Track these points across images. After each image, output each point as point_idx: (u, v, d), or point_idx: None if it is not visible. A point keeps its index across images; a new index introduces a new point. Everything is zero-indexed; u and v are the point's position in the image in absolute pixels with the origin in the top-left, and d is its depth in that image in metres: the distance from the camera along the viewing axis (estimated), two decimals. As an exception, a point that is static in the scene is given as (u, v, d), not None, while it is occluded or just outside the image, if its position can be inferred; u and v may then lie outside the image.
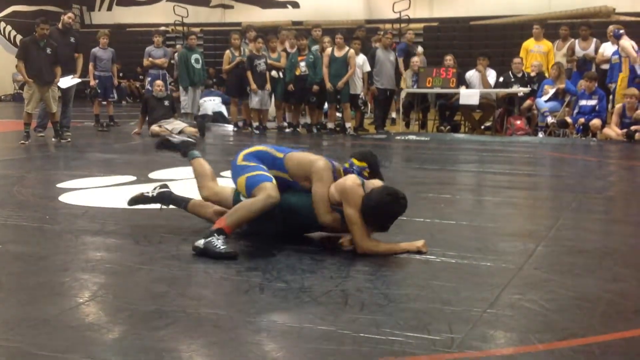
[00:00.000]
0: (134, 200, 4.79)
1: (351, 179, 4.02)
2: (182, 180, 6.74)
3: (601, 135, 10.83)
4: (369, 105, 13.60)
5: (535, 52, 12.23)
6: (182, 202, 4.74)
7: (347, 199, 3.93)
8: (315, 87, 11.38)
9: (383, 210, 3.89)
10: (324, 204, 4.03)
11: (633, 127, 10.38)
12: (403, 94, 12.42)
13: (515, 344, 2.70)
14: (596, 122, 10.77)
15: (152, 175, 6.99)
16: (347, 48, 11.38)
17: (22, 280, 3.53)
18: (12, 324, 2.87)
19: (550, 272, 3.66)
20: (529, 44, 12.45)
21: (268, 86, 11.57)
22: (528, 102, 11.77)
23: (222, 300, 3.18)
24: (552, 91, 11.29)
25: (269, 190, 3.99)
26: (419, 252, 3.97)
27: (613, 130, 10.68)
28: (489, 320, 2.95)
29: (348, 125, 11.55)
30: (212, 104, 13.52)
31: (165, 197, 4.75)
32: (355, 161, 4.32)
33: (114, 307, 3.12)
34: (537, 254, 4.03)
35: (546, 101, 11.35)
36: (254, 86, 11.40)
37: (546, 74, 11.75)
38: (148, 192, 4.77)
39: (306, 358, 2.53)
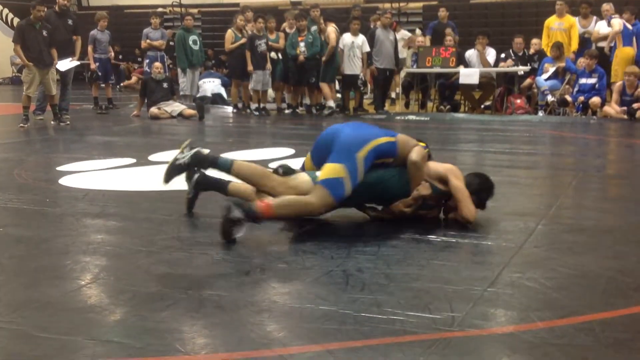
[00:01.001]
0: (169, 174, 4.28)
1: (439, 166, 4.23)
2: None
3: (601, 113, 10.81)
4: (369, 85, 13.57)
5: (556, 30, 11.98)
6: (224, 166, 4.24)
7: (456, 175, 4.12)
8: (301, 58, 11.31)
9: (486, 189, 4.19)
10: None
11: (634, 105, 10.35)
12: (402, 74, 12.38)
13: (516, 322, 2.71)
14: (596, 100, 10.75)
15: (152, 157, 6.99)
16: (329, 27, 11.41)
17: (24, 263, 3.54)
18: (15, 307, 2.88)
19: (551, 251, 3.67)
20: (550, 21, 12.11)
21: (269, 65, 11.52)
22: (528, 80, 11.73)
23: (223, 282, 3.19)
24: (552, 69, 11.25)
25: (330, 204, 3.93)
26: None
27: (613, 108, 10.66)
28: (489, 299, 2.96)
29: (330, 103, 11.52)
30: (211, 85, 13.48)
31: (201, 160, 4.26)
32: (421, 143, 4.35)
33: (116, 289, 3.13)
34: (537, 232, 4.04)
35: (546, 79, 11.31)
36: (250, 67, 11.35)
37: (566, 52, 11.60)
38: (179, 159, 4.27)
39: (308, 338, 2.54)
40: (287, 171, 4.09)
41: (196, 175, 4.28)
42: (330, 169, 3.93)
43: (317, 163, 4.14)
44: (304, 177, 4.08)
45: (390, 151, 4.07)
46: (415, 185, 4.13)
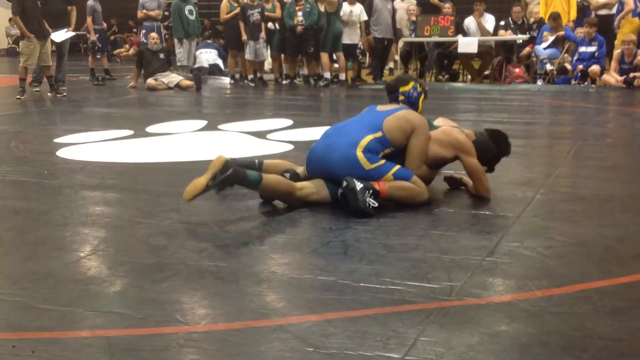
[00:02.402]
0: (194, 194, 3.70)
1: (455, 131, 4.13)
2: (178, 134, 6.73)
3: (600, 82, 10.77)
4: (367, 55, 13.49)
5: None
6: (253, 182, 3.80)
7: (464, 150, 4.05)
8: (299, 29, 11.21)
9: (500, 152, 4.19)
10: (421, 158, 4.03)
11: (632, 74, 10.31)
12: (400, 43, 12.30)
13: (514, 291, 2.72)
14: (595, 68, 10.71)
15: (150, 129, 6.97)
16: None
17: (23, 235, 3.55)
18: (15, 279, 2.89)
19: (549, 220, 3.68)
20: None
21: (263, 34, 11.42)
22: (527, 49, 11.67)
23: (222, 253, 3.20)
24: (551, 38, 11.18)
25: (408, 187, 3.88)
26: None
27: (612, 77, 10.61)
28: (487, 268, 2.97)
29: (326, 74, 11.44)
30: (207, 56, 13.41)
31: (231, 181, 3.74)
32: (404, 88, 4.30)
33: (115, 260, 3.14)
34: (536, 201, 4.04)
35: (545, 48, 11.25)
36: (244, 37, 11.27)
37: (565, 20, 11.47)
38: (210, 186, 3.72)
39: (307, 308, 2.55)
40: (293, 177, 4.05)
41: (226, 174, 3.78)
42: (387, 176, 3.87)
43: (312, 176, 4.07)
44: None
45: (382, 144, 3.94)
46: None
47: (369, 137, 3.91)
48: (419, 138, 4.00)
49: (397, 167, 3.90)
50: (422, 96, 4.35)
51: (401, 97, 4.28)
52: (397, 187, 3.86)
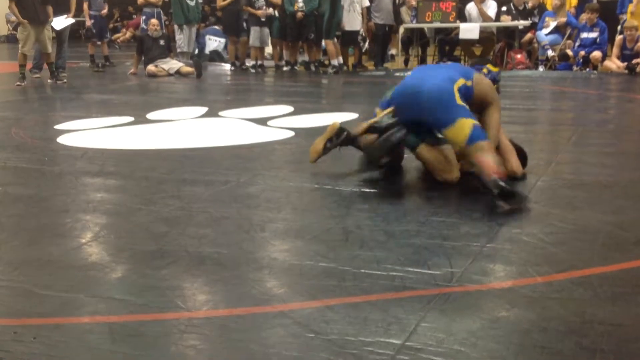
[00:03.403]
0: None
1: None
2: (179, 121, 6.72)
3: (602, 68, 10.73)
4: (368, 41, 13.44)
5: None
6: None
7: (498, 105, 4.15)
8: (299, 15, 11.15)
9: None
10: (499, 133, 4.13)
11: (634, 60, 10.27)
12: (401, 30, 12.25)
13: (515, 277, 2.72)
14: (597, 54, 10.67)
15: (150, 115, 6.95)
16: None
17: (24, 221, 3.55)
18: (16, 265, 2.90)
19: (550, 206, 3.67)
20: None
21: (262, 12, 11.37)
22: (529, 35, 11.62)
23: (223, 239, 3.20)
24: (553, 24, 11.13)
25: (490, 149, 3.78)
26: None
27: (614, 63, 10.57)
28: (488, 255, 2.97)
29: (334, 61, 11.40)
30: (216, 44, 13.36)
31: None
32: (491, 67, 4.33)
33: (116, 247, 3.14)
34: (537, 188, 4.04)
35: (547, 34, 11.21)
36: (261, 12, 11.25)
37: (567, 6, 11.41)
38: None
39: (307, 294, 2.55)
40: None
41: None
42: (466, 124, 3.77)
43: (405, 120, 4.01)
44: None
45: (468, 93, 3.95)
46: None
47: (462, 80, 3.94)
48: (497, 113, 4.06)
49: (478, 123, 3.84)
50: (495, 85, 4.34)
51: (484, 70, 4.29)
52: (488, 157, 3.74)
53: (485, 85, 4.09)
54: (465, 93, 3.92)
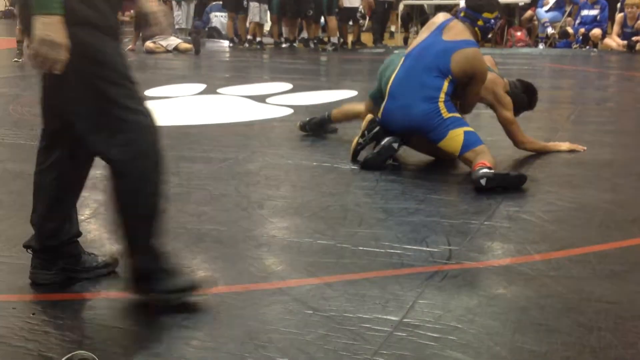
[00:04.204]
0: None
1: (499, 83, 4.17)
2: (177, 98, 6.70)
3: (602, 46, 10.69)
4: (367, 18, 13.36)
5: None
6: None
7: (501, 102, 4.13)
8: None
9: (529, 106, 4.42)
10: (474, 105, 4.16)
11: (634, 38, 10.23)
12: (401, 6, 12.18)
13: (512, 255, 2.73)
14: (597, 32, 10.61)
15: (148, 92, 6.92)
16: None
17: (23, 198, 3.53)
18: (15, 241, 2.89)
19: (548, 184, 3.68)
20: None
21: None
22: (529, 12, 11.55)
23: (222, 216, 3.20)
24: (553, 1, 11.07)
25: (487, 152, 3.73)
26: (571, 151, 4.31)
27: (614, 41, 10.53)
28: (486, 232, 2.98)
29: (333, 39, 11.33)
30: (221, 20, 13.28)
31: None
32: (488, 15, 4.07)
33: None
34: (536, 165, 4.03)
35: (547, 11, 11.14)
36: None
37: None
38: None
39: (306, 271, 2.56)
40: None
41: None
42: (457, 134, 3.79)
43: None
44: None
45: (453, 85, 3.89)
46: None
47: (446, 83, 3.86)
48: (477, 86, 3.98)
49: (470, 129, 3.83)
50: (491, 31, 4.26)
51: (480, 22, 4.06)
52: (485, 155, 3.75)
53: (465, 65, 3.86)
54: (453, 85, 3.88)
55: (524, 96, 4.33)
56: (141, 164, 2.38)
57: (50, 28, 1.97)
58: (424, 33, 4.07)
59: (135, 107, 2.28)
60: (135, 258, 2.30)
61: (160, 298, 2.27)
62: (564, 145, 4.35)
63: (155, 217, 2.33)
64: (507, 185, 3.53)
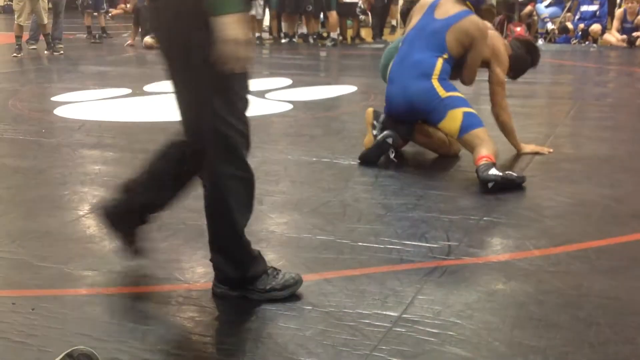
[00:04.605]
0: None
1: (500, 41, 4.14)
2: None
3: (602, 41, 10.68)
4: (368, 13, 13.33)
5: None
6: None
7: (499, 60, 4.08)
8: None
9: (534, 61, 4.36)
10: (476, 71, 4.09)
11: (634, 34, 10.22)
12: (401, 1, 12.15)
13: (511, 250, 2.73)
14: (596, 27, 10.60)
15: (147, 87, 6.92)
16: None
17: (22, 193, 3.55)
18: (14, 236, 2.90)
19: (548, 180, 3.68)
20: None
21: None
22: (529, 8, 11.54)
23: (221, 212, 3.19)
24: (553, -4, 11.06)
25: (486, 136, 3.72)
26: (536, 153, 4.18)
27: (614, 36, 10.52)
28: (485, 228, 2.98)
29: (333, 34, 11.31)
30: None
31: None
32: None
33: (114, 219, 3.13)
34: (535, 161, 4.03)
35: (547, 6, 11.13)
36: None
37: None
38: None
39: (305, 267, 2.56)
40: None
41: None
42: (456, 115, 3.76)
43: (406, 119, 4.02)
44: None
45: (449, 63, 3.89)
46: None
47: (440, 62, 3.84)
48: (477, 52, 3.94)
49: (469, 109, 3.80)
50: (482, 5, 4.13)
51: None
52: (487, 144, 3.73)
53: (461, 35, 3.85)
54: (448, 63, 3.87)
55: (528, 56, 4.30)
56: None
57: (237, 27, 1.95)
58: (417, 15, 4.09)
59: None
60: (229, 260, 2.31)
61: (267, 297, 2.28)
62: (529, 147, 4.19)
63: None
64: (512, 187, 3.52)
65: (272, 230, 2.98)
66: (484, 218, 3.08)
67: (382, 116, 4.03)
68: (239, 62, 2.01)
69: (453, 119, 3.76)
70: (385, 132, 3.93)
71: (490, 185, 3.45)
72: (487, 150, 3.62)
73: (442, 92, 3.80)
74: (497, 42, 4.12)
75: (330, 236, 2.87)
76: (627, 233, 2.90)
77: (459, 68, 3.99)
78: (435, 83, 3.81)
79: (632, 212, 3.17)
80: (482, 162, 3.56)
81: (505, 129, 4.13)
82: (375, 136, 4.01)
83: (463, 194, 3.45)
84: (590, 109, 5.76)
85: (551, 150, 4.23)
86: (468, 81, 4.09)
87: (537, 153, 4.17)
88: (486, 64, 4.10)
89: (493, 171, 3.48)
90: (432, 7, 3.98)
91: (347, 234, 2.89)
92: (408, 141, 4.18)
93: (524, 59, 4.29)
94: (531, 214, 3.13)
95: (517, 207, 3.23)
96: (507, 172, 3.54)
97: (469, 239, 2.84)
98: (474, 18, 3.89)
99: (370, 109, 4.12)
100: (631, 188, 3.53)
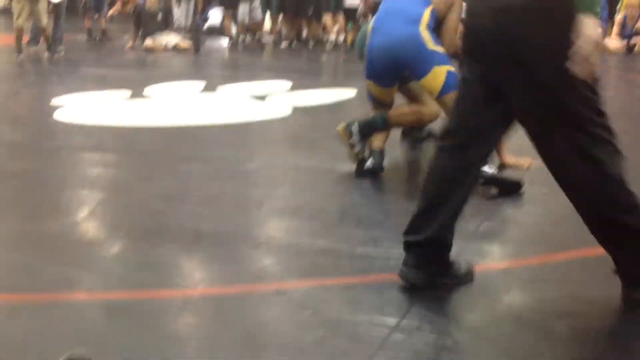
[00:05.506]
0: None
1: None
2: (176, 96, 6.68)
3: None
4: (369, 17, 13.34)
5: None
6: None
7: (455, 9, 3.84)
8: None
9: None
10: (457, 32, 3.82)
11: (633, 41, 10.22)
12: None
13: (510, 258, 2.74)
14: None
15: (147, 90, 6.92)
16: None
17: (21, 196, 3.54)
18: (14, 239, 2.90)
19: (546, 186, 3.66)
20: None
21: None
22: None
23: (220, 217, 3.20)
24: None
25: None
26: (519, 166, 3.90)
27: (614, 42, 10.52)
28: (484, 235, 2.98)
29: (331, 37, 11.33)
30: (220, 17, 13.25)
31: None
32: None
33: (113, 223, 3.14)
34: (533, 168, 4.03)
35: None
36: None
37: None
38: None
39: (303, 273, 2.56)
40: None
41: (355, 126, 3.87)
42: (440, 72, 3.62)
43: (383, 82, 3.84)
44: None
45: (434, 18, 3.76)
46: None
47: (427, 12, 3.70)
48: (456, 12, 3.81)
49: (452, 68, 3.63)
50: None
51: None
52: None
53: None
54: (434, 17, 3.73)
55: None
56: (603, 187, 2.26)
57: (596, 31, 1.95)
58: None
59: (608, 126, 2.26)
60: None
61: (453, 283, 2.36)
62: (512, 160, 3.92)
63: None
64: (504, 189, 3.50)
65: (270, 235, 2.98)
66: (483, 225, 3.08)
67: (355, 125, 3.81)
68: (591, 67, 1.99)
69: (437, 77, 3.61)
70: (370, 163, 3.80)
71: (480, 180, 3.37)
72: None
73: (430, 44, 3.63)
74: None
75: (329, 242, 2.87)
76: (625, 241, 2.89)
77: (438, 31, 3.81)
78: (424, 32, 3.64)
79: (631, 219, 3.16)
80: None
81: None
82: (357, 153, 3.83)
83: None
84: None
85: (530, 164, 3.89)
86: (449, 44, 3.81)
87: (519, 166, 3.92)
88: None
89: (487, 169, 3.41)
90: None
91: (346, 240, 2.88)
92: (391, 128, 4.01)
93: None
94: (530, 221, 3.13)
95: (516, 214, 3.23)
96: (501, 176, 3.51)
97: (468, 246, 2.83)
98: None
99: (341, 127, 3.85)
100: (630, 195, 3.53)
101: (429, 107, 3.97)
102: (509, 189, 3.51)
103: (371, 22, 3.96)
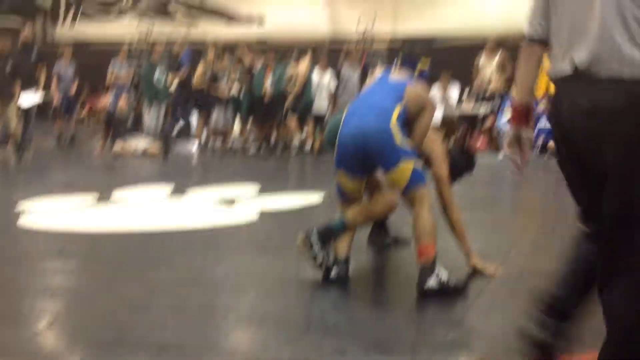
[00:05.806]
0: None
1: (440, 148, 4.15)
2: (143, 202, 6.68)
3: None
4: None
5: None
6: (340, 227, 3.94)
7: (439, 164, 4.08)
8: (267, 90, 11.41)
9: (466, 169, 4.35)
10: (425, 135, 4.01)
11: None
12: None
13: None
14: (553, 143, 10.94)
15: (115, 195, 6.91)
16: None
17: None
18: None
19: (509, 296, 3.69)
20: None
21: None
22: (490, 121, 11.88)
23: (185, 326, 3.14)
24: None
25: (428, 200, 3.72)
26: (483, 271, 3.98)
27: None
28: (452, 345, 2.95)
29: (295, 142, 11.60)
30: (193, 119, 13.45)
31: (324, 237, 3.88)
32: (421, 65, 4.27)
33: (73, 335, 3.06)
34: (513, 254, 4.06)
35: (507, 121, 11.50)
36: (222, 91, 11.52)
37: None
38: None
39: (269, 385, 2.51)
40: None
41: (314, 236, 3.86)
42: (406, 168, 3.70)
43: (352, 170, 3.89)
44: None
45: (404, 115, 3.84)
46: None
47: (398, 108, 3.79)
48: (429, 115, 3.95)
49: (417, 164, 3.76)
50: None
51: (417, 73, 4.24)
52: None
53: (417, 96, 3.93)
54: (403, 118, 3.84)
55: (463, 158, 4.33)
56: None
57: None
58: (370, 83, 4.18)
59: None
60: None
61: None
62: (479, 263, 4.04)
63: None
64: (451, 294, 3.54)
65: (236, 347, 2.93)
66: (450, 333, 3.06)
67: (314, 234, 3.81)
68: None
69: (404, 172, 3.68)
70: (335, 272, 3.82)
71: (427, 292, 3.49)
72: (428, 236, 3.61)
73: (397, 138, 3.70)
74: (436, 145, 4.14)
75: (295, 353, 2.82)
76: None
77: (409, 129, 3.93)
78: (394, 127, 3.72)
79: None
80: (422, 261, 3.56)
81: (456, 228, 4.07)
82: (321, 264, 3.81)
83: (431, 304, 3.43)
84: (551, 221, 5.87)
85: (495, 271, 4.00)
86: (419, 140, 3.96)
87: (485, 271, 4.00)
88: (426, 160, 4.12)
89: (432, 282, 3.50)
90: (386, 74, 4.11)
91: (313, 350, 2.84)
92: (351, 229, 3.98)
93: (460, 161, 4.30)
94: (496, 332, 3.12)
95: (482, 324, 3.21)
96: (447, 281, 3.54)
97: (435, 356, 2.81)
98: (427, 89, 4.04)
99: (301, 240, 3.83)
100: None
101: (383, 198, 4.01)
102: (453, 292, 3.54)
103: (344, 111, 4.06)
